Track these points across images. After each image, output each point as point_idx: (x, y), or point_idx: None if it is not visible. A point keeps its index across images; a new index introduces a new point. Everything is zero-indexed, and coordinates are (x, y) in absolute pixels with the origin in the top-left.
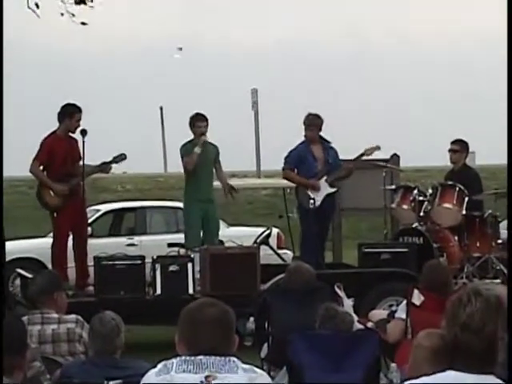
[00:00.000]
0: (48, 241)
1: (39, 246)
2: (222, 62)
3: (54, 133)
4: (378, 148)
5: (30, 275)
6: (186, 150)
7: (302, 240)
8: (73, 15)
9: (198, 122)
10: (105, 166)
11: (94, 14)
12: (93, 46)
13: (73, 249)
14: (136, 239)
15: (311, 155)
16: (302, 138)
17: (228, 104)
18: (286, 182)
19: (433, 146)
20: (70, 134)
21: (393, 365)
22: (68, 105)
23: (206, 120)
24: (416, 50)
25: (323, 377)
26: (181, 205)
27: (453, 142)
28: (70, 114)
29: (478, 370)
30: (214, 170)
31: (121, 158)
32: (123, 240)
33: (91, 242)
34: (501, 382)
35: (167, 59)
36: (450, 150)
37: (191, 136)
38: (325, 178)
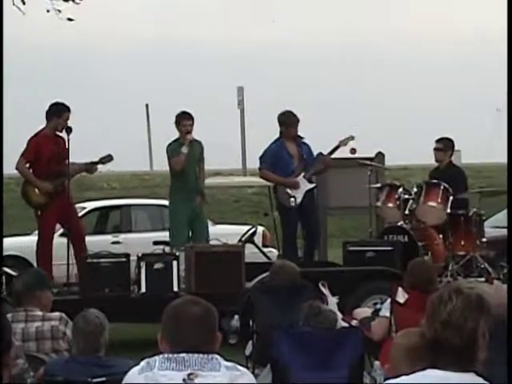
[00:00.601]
0: (33, 239)
1: (24, 244)
2: (208, 60)
3: (41, 131)
4: (351, 138)
5: (14, 273)
6: (172, 149)
7: (283, 238)
8: (59, 11)
9: (184, 120)
10: (91, 166)
11: (81, 11)
12: (78, 43)
13: (73, 246)
14: (121, 237)
15: (286, 153)
16: None
17: (214, 102)
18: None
19: (418, 145)
20: (57, 133)
21: (376, 363)
22: (56, 104)
23: (192, 118)
24: (402, 48)
25: (307, 375)
26: (166, 203)
27: (437, 141)
28: (58, 112)
29: (458, 368)
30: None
31: (108, 158)
32: (108, 238)
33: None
34: (482, 380)
35: (153, 57)
36: (434, 149)
37: (177, 134)
38: (302, 174)
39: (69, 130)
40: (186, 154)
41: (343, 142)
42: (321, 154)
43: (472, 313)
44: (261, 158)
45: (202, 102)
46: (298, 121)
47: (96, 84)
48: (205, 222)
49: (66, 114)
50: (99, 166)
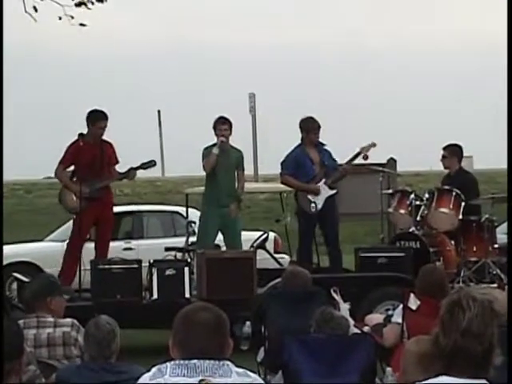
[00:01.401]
0: (45, 245)
1: (36, 250)
2: (219, 67)
3: (82, 137)
4: (373, 145)
5: (26, 279)
6: (206, 152)
7: (299, 244)
8: (71, 17)
9: (220, 124)
10: (131, 173)
11: (93, 17)
12: (90, 49)
13: (95, 252)
14: (133, 243)
15: (308, 159)
16: (299, 142)
17: (226, 108)
18: (283, 186)
19: (430, 151)
20: (104, 138)
21: (388, 369)
22: (92, 111)
23: (229, 123)
24: (414, 54)
25: (318, 381)
26: (178, 209)
27: (444, 148)
28: (92, 120)
29: (472, 375)
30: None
31: (150, 164)
32: (120, 244)
33: (88, 245)
34: None
35: (166, 63)
36: (441, 156)
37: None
38: (323, 180)
39: (80, 136)
40: (216, 154)
41: (365, 149)
42: (339, 164)
43: (489, 319)
44: (282, 163)
45: (214, 108)
46: (319, 126)
47: (108, 89)
48: (237, 228)
49: (99, 123)
50: (141, 171)
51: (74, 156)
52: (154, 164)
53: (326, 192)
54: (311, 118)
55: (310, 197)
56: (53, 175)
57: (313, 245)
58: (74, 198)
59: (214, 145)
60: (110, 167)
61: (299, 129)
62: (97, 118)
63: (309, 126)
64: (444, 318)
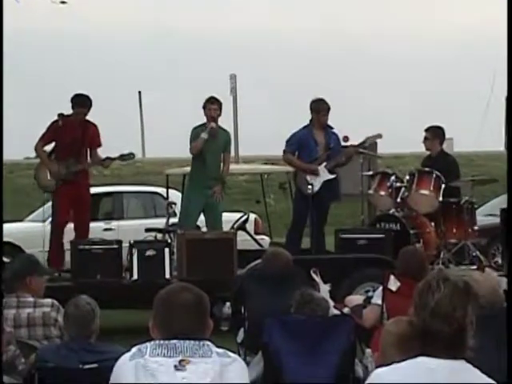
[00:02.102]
0: (25, 225)
1: (16, 230)
2: (200, 48)
3: (66, 116)
4: (379, 136)
5: (6, 259)
6: (195, 134)
7: (291, 225)
8: None
9: (210, 104)
10: (108, 162)
11: None
12: (71, 28)
13: (75, 234)
14: (113, 224)
15: (313, 140)
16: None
17: (206, 89)
18: (263, 167)
19: (411, 133)
20: (88, 119)
21: (368, 350)
22: (77, 95)
23: (219, 103)
24: (397, 38)
25: (298, 362)
26: (158, 190)
27: (425, 130)
28: (76, 104)
29: (447, 356)
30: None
31: (129, 157)
32: (100, 224)
33: (68, 226)
34: (471, 367)
35: (147, 44)
36: (423, 138)
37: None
38: (324, 163)
39: (60, 116)
40: (205, 139)
41: (370, 139)
42: (344, 146)
43: (460, 300)
44: (287, 141)
45: (195, 89)
46: (328, 108)
47: (89, 70)
48: (219, 210)
49: (79, 109)
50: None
51: (54, 134)
52: (133, 157)
53: (325, 175)
54: (322, 99)
55: (308, 178)
56: (32, 156)
57: (305, 226)
58: (49, 177)
59: (203, 125)
60: (92, 150)
61: (309, 110)
62: (78, 103)
63: (319, 107)
64: (415, 299)
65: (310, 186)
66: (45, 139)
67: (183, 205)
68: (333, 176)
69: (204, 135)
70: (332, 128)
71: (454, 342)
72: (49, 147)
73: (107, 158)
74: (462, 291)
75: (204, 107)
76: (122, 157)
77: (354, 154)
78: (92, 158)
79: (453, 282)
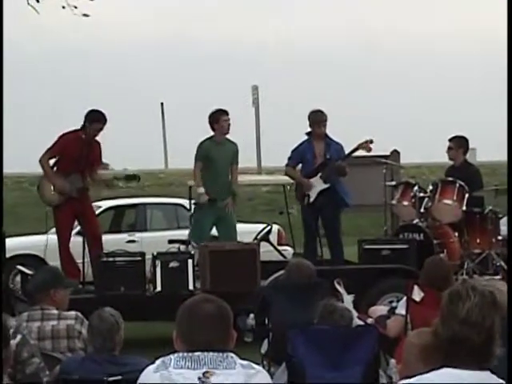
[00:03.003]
0: (48, 237)
1: (40, 243)
2: (222, 59)
3: (75, 131)
4: (370, 141)
5: (30, 271)
6: (204, 149)
7: (304, 236)
8: (75, 7)
9: (224, 116)
10: (113, 182)
11: (96, 8)
12: (93, 40)
13: (87, 245)
14: (136, 236)
15: (312, 152)
16: (303, 134)
17: (229, 100)
18: (286, 178)
19: (434, 143)
20: (95, 138)
21: (392, 361)
22: (92, 111)
23: (228, 113)
24: (417, 47)
25: (322, 373)
26: (181, 201)
27: (449, 140)
28: (89, 120)
29: (474, 366)
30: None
31: (134, 178)
32: (124, 236)
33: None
34: (496, 378)
35: (168, 54)
36: (447, 147)
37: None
38: (319, 174)
39: (93, 138)
40: (203, 200)
41: (362, 145)
42: (337, 160)
43: (489, 310)
44: (290, 154)
45: (217, 100)
46: (325, 119)
47: (111, 82)
48: (232, 222)
49: (95, 125)
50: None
51: (62, 148)
52: (139, 179)
53: (319, 186)
54: (319, 110)
55: (304, 189)
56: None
57: (316, 236)
58: (52, 191)
59: (209, 139)
60: (94, 167)
61: (308, 121)
62: (93, 119)
63: (315, 119)
64: (443, 308)
65: (306, 198)
66: (52, 152)
67: (195, 219)
68: (327, 186)
69: (203, 199)
70: (331, 139)
71: (481, 351)
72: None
73: (114, 178)
74: (490, 301)
75: (217, 121)
76: (127, 177)
77: (346, 165)
78: (92, 176)
79: (481, 291)
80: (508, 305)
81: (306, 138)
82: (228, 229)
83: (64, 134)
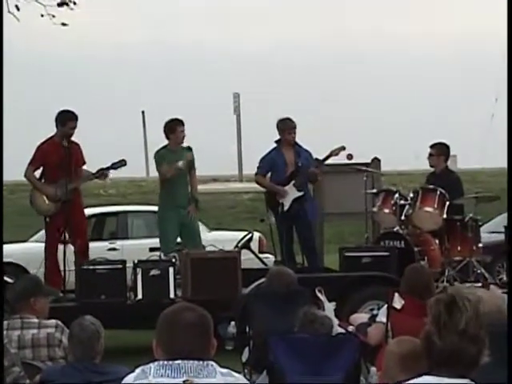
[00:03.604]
0: (29, 245)
1: (20, 251)
2: (204, 67)
3: (50, 138)
4: (343, 148)
5: (10, 280)
6: (161, 157)
7: (280, 244)
8: (53, 16)
9: (179, 126)
10: (102, 173)
11: (75, 17)
12: (73, 49)
13: (75, 254)
14: (118, 243)
15: (282, 160)
16: None
17: (210, 108)
18: None
19: (414, 150)
20: (72, 139)
21: (373, 369)
22: (62, 112)
23: (184, 124)
24: (400, 53)
25: (303, 380)
26: None
27: (431, 146)
28: (62, 121)
29: (461, 375)
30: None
31: (120, 164)
32: (105, 244)
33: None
34: None
35: (149, 63)
36: (428, 155)
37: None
38: (293, 182)
39: (69, 138)
40: (181, 168)
41: (334, 152)
42: (316, 160)
43: (481, 320)
44: (259, 163)
45: (199, 108)
46: (294, 127)
47: (91, 90)
48: (195, 229)
49: (70, 123)
50: (111, 172)
51: (42, 157)
52: (125, 164)
53: (293, 194)
54: (288, 118)
55: (277, 198)
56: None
57: (293, 244)
58: (46, 201)
59: (164, 147)
60: (77, 168)
61: (276, 129)
62: (67, 118)
63: (284, 126)
64: (439, 318)
65: (280, 206)
66: (34, 164)
67: (160, 228)
68: (301, 193)
69: (181, 164)
70: (301, 146)
71: (474, 361)
72: (37, 172)
73: (100, 170)
74: (479, 311)
75: (173, 131)
76: (114, 165)
77: (320, 172)
78: (79, 175)
79: (473, 301)
80: (508, 305)
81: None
82: (192, 235)
83: (41, 144)
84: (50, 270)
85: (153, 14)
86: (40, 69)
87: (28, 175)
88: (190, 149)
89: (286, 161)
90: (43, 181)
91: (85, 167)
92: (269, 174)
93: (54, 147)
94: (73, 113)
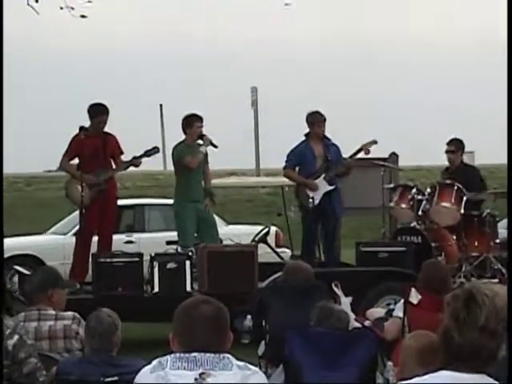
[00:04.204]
0: (46, 238)
1: (37, 243)
2: (221, 60)
3: (84, 129)
4: (374, 142)
5: (27, 272)
6: (180, 152)
7: (303, 239)
8: (72, 8)
9: (197, 122)
10: (136, 161)
11: (94, 10)
12: (92, 42)
13: (98, 245)
14: (134, 236)
15: (312, 153)
16: (302, 136)
17: (228, 102)
18: (284, 179)
19: (432, 145)
20: (106, 131)
21: (389, 363)
22: (92, 105)
23: (202, 120)
24: (414, 49)
25: (319, 375)
26: None
27: (448, 143)
28: (93, 114)
29: (479, 370)
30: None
31: (153, 151)
32: (122, 237)
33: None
34: (492, 380)
35: (168, 55)
36: (446, 151)
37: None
38: (323, 175)
39: (81, 130)
40: (204, 153)
41: (366, 146)
42: (344, 158)
43: (499, 315)
44: (287, 157)
45: (216, 101)
46: (324, 120)
47: (110, 84)
48: (212, 222)
49: (100, 116)
50: (145, 159)
51: (77, 148)
52: (158, 151)
53: (324, 187)
54: (317, 111)
55: (308, 191)
56: (54, 168)
57: (316, 239)
58: (82, 192)
59: (181, 143)
60: (116, 159)
61: (306, 123)
62: (97, 112)
63: (314, 120)
64: (458, 313)
65: (310, 200)
66: (69, 154)
67: (177, 223)
68: (332, 187)
69: (203, 149)
70: (329, 139)
71: (492, 357)
72: (73, 160)
73: (133, 158)
74: (498, 306)
75: (189, 125)
76: (147, 153)
77: (352, 165)
78: (117, 165)
79: (491, 297)
80: (508, 305)
81: (302, 139)
82: (209, 229)
83: (75, 136)
84: (79, 262)
85: (173, 7)
86: (58, 62)
87: (64, 165)
88: (203, 145)
89: (316, 154)
90: (80, 172)
91: (122, 157)
92: (297, 168)
93: (88, 137)
94: (103, 105)
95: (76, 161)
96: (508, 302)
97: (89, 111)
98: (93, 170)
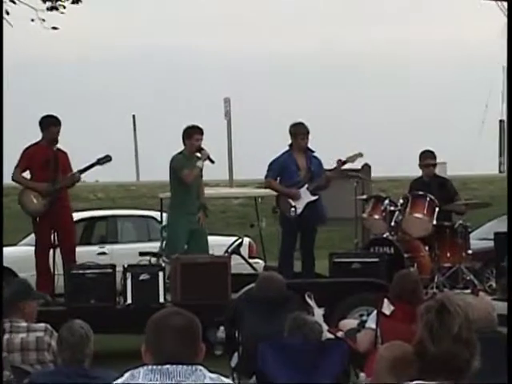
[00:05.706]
0: (19, 249)
1: (10, 255)
2: (194, 71)
3: (36, 143)
4: (360, 155)
5: None
6: (179, 161)
7: (281, 249)
8: (43, 20)
9: (197, 134)
10: (77, 175)
11: (66, 21)
12: (64, 53)
13: (62, 256)
14: (107, 248)
15: (294, 164)
16: (275, 147)
17: (200, 113)
18: (257, 191)
19: (404, 156)
20: (59, 147)
21: (362, 375)
22: (45, 117)
23: (203, 133)
24: (389, 61)
25: None
26: (153, 214)
27: (423, 156)
28: (45, 126)
29: (455, 380)
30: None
31: (106, 159)
32: (94, 249)
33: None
34: None
35: (140, 66)
36: (426, 165)
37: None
38: (306, 186)
39: (54, 143)
40: (200, 168)
41: (351, 159)
42: (325, 170)
43: (471, 325)
44: (268, 167)
45: (189, 112)
46: (307, 132)
47: (82, 94)
48: (204, 235)
49: (52, 128)
50: (98, 167)
51: (29, 160)
52: (110, 159)
53: (306, 197)
54: (300, 123)
55: (290, 201)
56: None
57: (294, 249)
58: (35, 201)
59: (180, 153)
60: (64, 175)
61: (289, 134)
62: (49, 123)
63: (297, 131)
64: (434, 325)
65: (292, 209)
66: (21, 166)
67: (169, 233)
68: (315, 198)
69: (200, 164)
70: (313, 151)
71: (466, 366)
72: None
73: (78, 172)
74: (469, 315)
75: (189, 137)
76: (100, 161)
77: (335, 177)
78: (66, 177)
79: (463, 307)
80: (508, 308)
81: (280, 150)
82: (201, 242)
83: (27, 148)
84: (41, 273)
85: (145, 19)
86: (29, 73)
87: (15, 177)
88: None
89: (299, 165)
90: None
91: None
92: (278, 179)
93: (40, 150)
94: (55, 117)
95: (27, 173)
96: (508, 304)
97: (40, 123)
98: (44, 179)
